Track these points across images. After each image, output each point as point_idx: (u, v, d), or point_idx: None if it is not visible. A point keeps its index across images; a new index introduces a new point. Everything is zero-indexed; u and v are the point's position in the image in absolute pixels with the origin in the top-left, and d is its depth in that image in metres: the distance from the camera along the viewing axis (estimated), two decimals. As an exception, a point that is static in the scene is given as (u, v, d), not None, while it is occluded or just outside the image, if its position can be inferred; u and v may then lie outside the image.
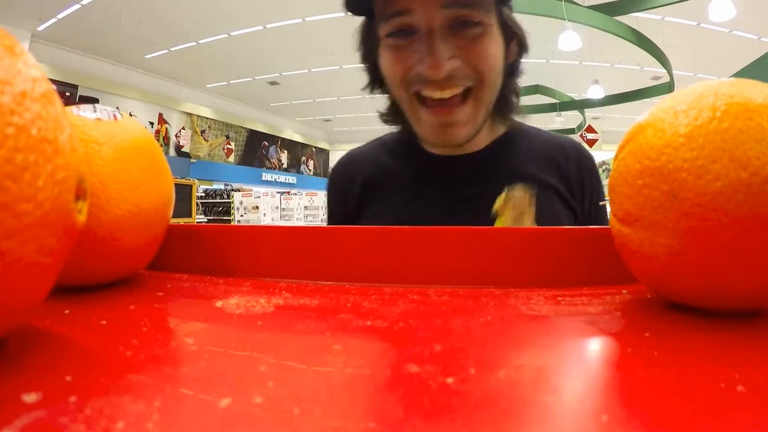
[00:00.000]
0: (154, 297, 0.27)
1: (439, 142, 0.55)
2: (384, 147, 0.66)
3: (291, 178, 13.18)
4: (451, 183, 0.59)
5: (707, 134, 0.19)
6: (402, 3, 0.49)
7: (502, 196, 0.44)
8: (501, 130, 0.62)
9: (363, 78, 0.62)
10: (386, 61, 0.54)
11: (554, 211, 0.57)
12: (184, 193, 5.19)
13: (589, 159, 0.64)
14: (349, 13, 0.55)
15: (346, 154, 0.69)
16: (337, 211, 0.68)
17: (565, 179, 0.60)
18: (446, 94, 0.50)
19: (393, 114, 0.61)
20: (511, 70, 0.58)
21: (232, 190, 7.90)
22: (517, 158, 0.60)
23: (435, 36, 0.49)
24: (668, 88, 5.64)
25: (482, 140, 0.60)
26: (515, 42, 0.57)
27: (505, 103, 0.58)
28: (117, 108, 0.29)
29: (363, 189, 0.64)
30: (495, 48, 0.52)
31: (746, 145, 0.18)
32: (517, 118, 0.62)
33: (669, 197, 0.19)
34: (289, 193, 7.48)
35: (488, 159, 0.59)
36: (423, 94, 0.51)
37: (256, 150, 12.23)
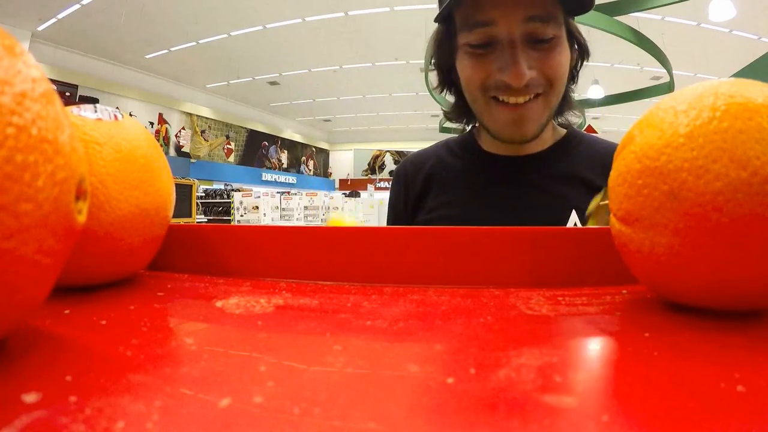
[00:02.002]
0: (154, 297, 0.27)
1: (509, 137, 0.60)
2: (446, 147, 0.72)
3: (291, 178, 13.19)
4: (511, 181, 0.63)
5: (707, 134, 0.19)
6: (487, 14, 0.54)
7: (597, 198, 0.45)
8: (560, 134, 0.67)
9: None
10: (467, 66, 0.59)
11: None
12: (184, 193, 5.19)
13: None
14: (437, 24, 0.62)
15: (412, 153, 0.76)
16: (395, 205, 0.74)
17: None
18: (521, 100, 0.56)
19: (457, 113, 0.67)
20: (572, 74, 0.63)
21: (232, 190, 7.90)
22: (573, 162, 0.64)
23: (517, 47, 0.54)
24: (668, 88, 5.63)
25: (544, 142, 0.65)
26: (576, 48, 0.62)
27: (565, 101, 0.64)
28: (117, 108, 0.29)
29: (425, 182, 0.69)
30: (564, 58, 0.57)
31: (746, 145, 0.18)
32: (574, 116, 0.68)
33: (669, 197, 0.19)
34: (289, 193, 7.49)
35: (546, 161, 0.64)
36: (500, 98, 0.57)
37: (256, 150, 12.24)
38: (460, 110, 0.67)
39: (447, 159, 0.70)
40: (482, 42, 0.56)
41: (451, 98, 0.69)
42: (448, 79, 0.65)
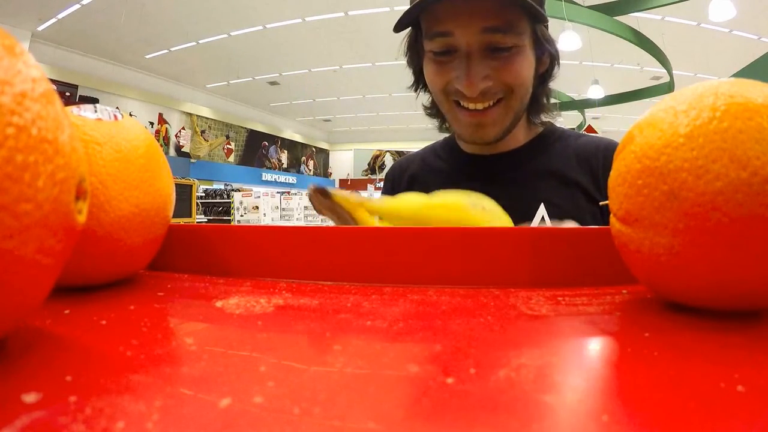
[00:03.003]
0: (154, 297, 0.27)
1: (472, 139, 0.63)
2: (432, 149, 0.76)
3: (291, 178, 13.18)
4: (486, 179, 0.65)
5: (707, 134, 0.19)
6: (445, 26, 0.56)
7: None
8: (536, 131, 0.69)
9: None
10: (430, 72, 0.61)
11: (578, 209, 0.62)
12: (184, 193, 5.19)
13: None
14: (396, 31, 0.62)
15: (401, 157, 0.81)
16: None
17: (594, 175, 0.64)
18: (479, 106, 0.58)
19: (435, 109, 0.70)
20: (543, 79, 0.64)
21: (232, 190, 7.90)
22: (548, 157, 0.65)
23: (472, 58, 0.56)
24: (668, 88, 5.64)
25: (518, 140, 0.67)
26: (547, 54, 0.63)
27: (537, 104, 0.66)
28: (117, 108, 0.29)
29: (409, 184, 0.73)
30: (526, 66, 0.58)
31: (746, 145, 0.18)
32: (549, 117, 0.69)
33: (669, 197, 0.19)
34: (289, 193, 7.49)
35: (520, 158, 0.66)
36: (461, 103, 0.59)
37: (256, 150, 12.24)
38: (435, 110, 0.69)
39: (431, 161, 0.73)
40: (443, 50, 0.58)
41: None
42: (419, 80, 0.68)
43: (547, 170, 0.64)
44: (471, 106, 0.58)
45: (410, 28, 0.63)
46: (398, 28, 0.60)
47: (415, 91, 0.70)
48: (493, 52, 0.56)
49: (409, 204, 0.42)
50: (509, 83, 0.57)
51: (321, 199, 0.41)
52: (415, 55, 0.65)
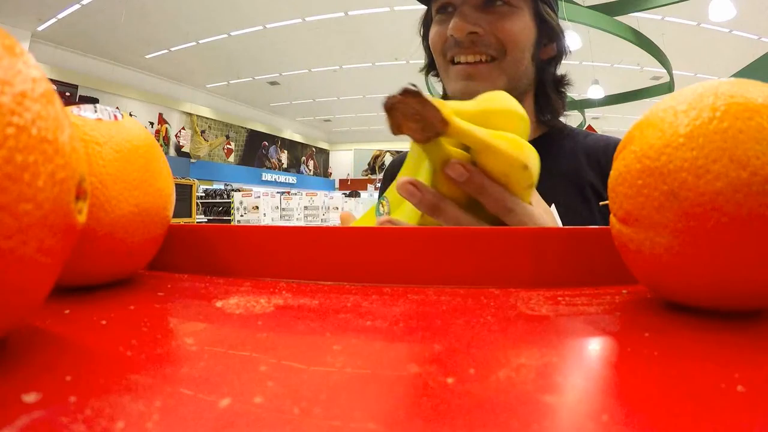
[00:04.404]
0: (154, 297, 0.27)
1: (460, 93, 0.61)
2: None
3: (291, 178, 13.18)
4: None
5: (707, 134, 0.19)
6: None
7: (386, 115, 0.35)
8: (544, 129, 0.68)
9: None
10: (432, 34, 0.64)
11: (590, 211, 0.62)
12: (184, 193, 5.19)
13: None
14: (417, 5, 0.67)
15: (399, 155, 0.81)
16: None
17: (604, 175, 0.63)
18: (470, 59, 0.59)
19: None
20: (543, 66, 0.65)
21: (232, 190, 7.90)
22: (558, 156, 0.65)
23: (464, 6, 0.59)
24: (668, 88, 5.63)
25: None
26: (554, 43, 0.64)
27: (545, 99, 0.66)
28: (117, 108, 0.29)
29: None
30: (519, 27, 0.59)
31: (746, 145, 0.18)
32: (558, 116, 0.69)
33: (669, 197, 0.19)
34: (289, 193, 7.48)
35: None
36: (455, 59, 0.60)
37: (256, 150, 12.24)
38: (444, 98, 0.70)
39: None
40: (442, 6, 0.61)
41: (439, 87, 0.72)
42: (431, 61, 0.69)
43: (558, 170, 0.63)
44: (462, 58, 0.59)
45: (424, 4, 0.66)
46: None
47: (427, 74, 0.72)
48: (488, 5, 0.58)
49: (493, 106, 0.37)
50: (501, 39, 0.58)
51: (412, 102, 0.31)
52: (427, 30, 0.67)
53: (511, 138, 0.34)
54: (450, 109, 0.32)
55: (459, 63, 0.60)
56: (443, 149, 0.34)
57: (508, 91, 0.58)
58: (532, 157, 0.35)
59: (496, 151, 0.33)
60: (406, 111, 0.31)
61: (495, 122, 0.35)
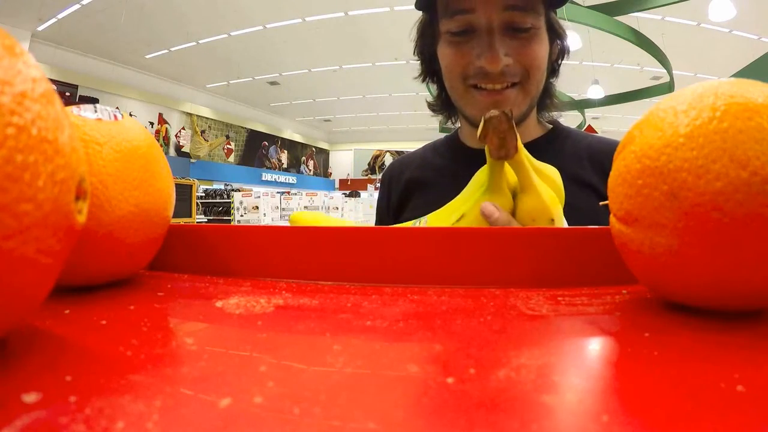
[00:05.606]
0: (154, 297, 0.27)
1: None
2: (432, 148, 0.74)
3: (291, 178, 13.18)
4: None
5: (707, 134, 0.19)
6: (466, 2, 0.56)
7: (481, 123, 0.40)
8: (546, 129, 0.68)
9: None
10: (447, 54, 0.60)
11: (595, 212, 0.61)
12: (184, 193, 5.19)
13: None
14: (418, 10, 0.63)
15: (396, 159, 0.78)
16: (381, 206, 0.76)
17: (606, 176, 0.62)
18: (497, 87, 0.57)
19: (440, 104, 0.69)
20: (552, 68, 0.64)
21: (232, 190, 7.90)
22: (560, 157, 0.64)
23: (494, 34, 0.56)
24: (668, 88, 5.63)
25: (528, 135, 0.65)
26: (557, 44, 0.63)
27: (548, 98, 0.66)
28: (117, 108, 0.29)
29: (408, 185, 0.71)
30: (542, 49, 0.58)
31: (746, 145, 0.18)
32: (556, 113, 0.69)
33: (669, 197, 0.19)
34: (289, 193, 7.48)
35: (531, 154, 0.65)
36: (479, 86, 0.58)
37: (256, 150, 12.24)
38: (443, 102, 0.68)
39: (432, 159, 0.71)
40: (462, 29, 0.57)
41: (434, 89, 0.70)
42: (430, 69, 0.67)
43: (560, 171, 0.62)
44: (490, 86, 0.57)
45: (423, 11, 0.63)
46: (419, 4, 0.60)
47: (423, 81, 0.69)
48: (512, 32, 0.56)
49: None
50: (527, 65, 0.57)
51: (504, 122, 0.36)
52: (427, 39, 0.64)
53: (552, 194, 0.40)
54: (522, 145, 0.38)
55: (483, 89, 0.58)
56: (503, 173, 0.40)
57: (529, 108, 0.60)
58: (558, 216, 0.40)
59: (537, 196, 0.39)
60: (497, 127, 0.36)
61: (544, 181, 0.41)
